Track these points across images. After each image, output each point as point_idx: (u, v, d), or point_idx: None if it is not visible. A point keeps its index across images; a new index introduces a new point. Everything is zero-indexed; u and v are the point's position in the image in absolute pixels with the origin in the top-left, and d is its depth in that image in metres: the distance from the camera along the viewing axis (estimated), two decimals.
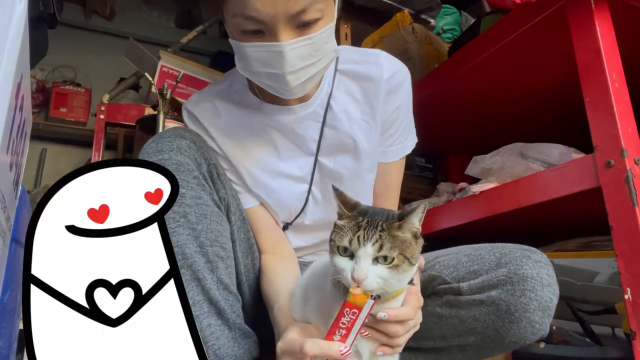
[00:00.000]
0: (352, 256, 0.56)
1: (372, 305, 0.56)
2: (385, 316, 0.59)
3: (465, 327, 0.74)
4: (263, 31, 0.70)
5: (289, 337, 0.62)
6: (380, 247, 0.55)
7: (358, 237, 0.55)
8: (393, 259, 0.55)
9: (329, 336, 0.57)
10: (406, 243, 0.56)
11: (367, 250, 0.55)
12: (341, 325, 0.56)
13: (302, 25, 0.70)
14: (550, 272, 0.71)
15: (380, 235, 0.55)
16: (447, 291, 0.76)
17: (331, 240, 0.58)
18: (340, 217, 0.60)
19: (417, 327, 0.66)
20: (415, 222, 0.58)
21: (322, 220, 0.91)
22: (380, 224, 0.56)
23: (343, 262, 0.56)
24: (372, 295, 0.55)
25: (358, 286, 0.55)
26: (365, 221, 0.57)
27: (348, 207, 0.60)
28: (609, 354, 1.10)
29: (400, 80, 0.89)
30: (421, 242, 0.59)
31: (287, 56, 0.71)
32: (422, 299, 0.66)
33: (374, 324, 0.61)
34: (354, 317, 0.55)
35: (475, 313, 0.72)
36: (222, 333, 0.73)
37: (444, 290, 0.76)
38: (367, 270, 0.54)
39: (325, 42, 0.74)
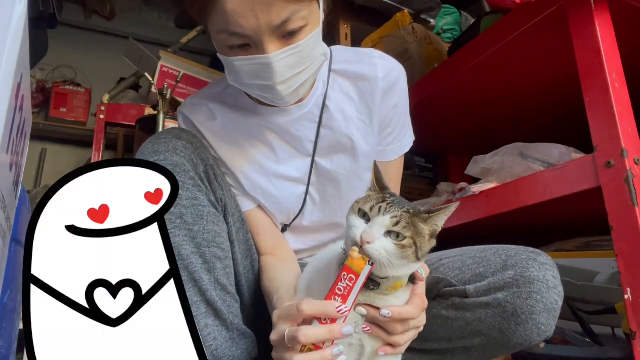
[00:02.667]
0: (368, 222, 0.59)
1: (369, 272, 0.56)
2: (389, 313, 0.59)
3: (470, 329, 0.74)
4: (249, 44, 0.70)
5: (285, 305, 0.62)
6: (397, 223, 0.57)
7: (379, 207, 0.58)
8: (405, 238, 0.57)
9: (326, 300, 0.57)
10: (422, 235, 0.58)
11: (385, 221, 0.57)
12: (337, 291, 0.56)
13: (287, 34, 0.69)
14: (555, 274, 0.71)
15: (402, 215, 0.57)
16: (452, 294, 0.76)
17: (355, 202, 0.61)
18: (369, 189, 0.64)
19: (421, 329, 0.66)
20: (442, 220, 0.60)
21: (320, 222, 0.91)
22: (407, 208, 0.59)
23: (358, 221, 0.59)
24: (369, 261, 0.56)
25: (362, 246, 0.56)
26: (390, 199, 0.59)
27: (379, 183, 0.63)
28: (609, 354, 1.10)
29: (395, 78, 0.88)
30: (434, 243, 0.61)
31: (275, 67, 0.70)
32: (426, 301, 0.65)
33: (374, 320, 0.61)
34: (351, 284, 0.55)
35: (481, 315, 0.72)
36: (220, 334, 0.73)
37: (449, 293, 0.76)
38: (376, 236, 0.56)
39: (313, 48, 0.74)
